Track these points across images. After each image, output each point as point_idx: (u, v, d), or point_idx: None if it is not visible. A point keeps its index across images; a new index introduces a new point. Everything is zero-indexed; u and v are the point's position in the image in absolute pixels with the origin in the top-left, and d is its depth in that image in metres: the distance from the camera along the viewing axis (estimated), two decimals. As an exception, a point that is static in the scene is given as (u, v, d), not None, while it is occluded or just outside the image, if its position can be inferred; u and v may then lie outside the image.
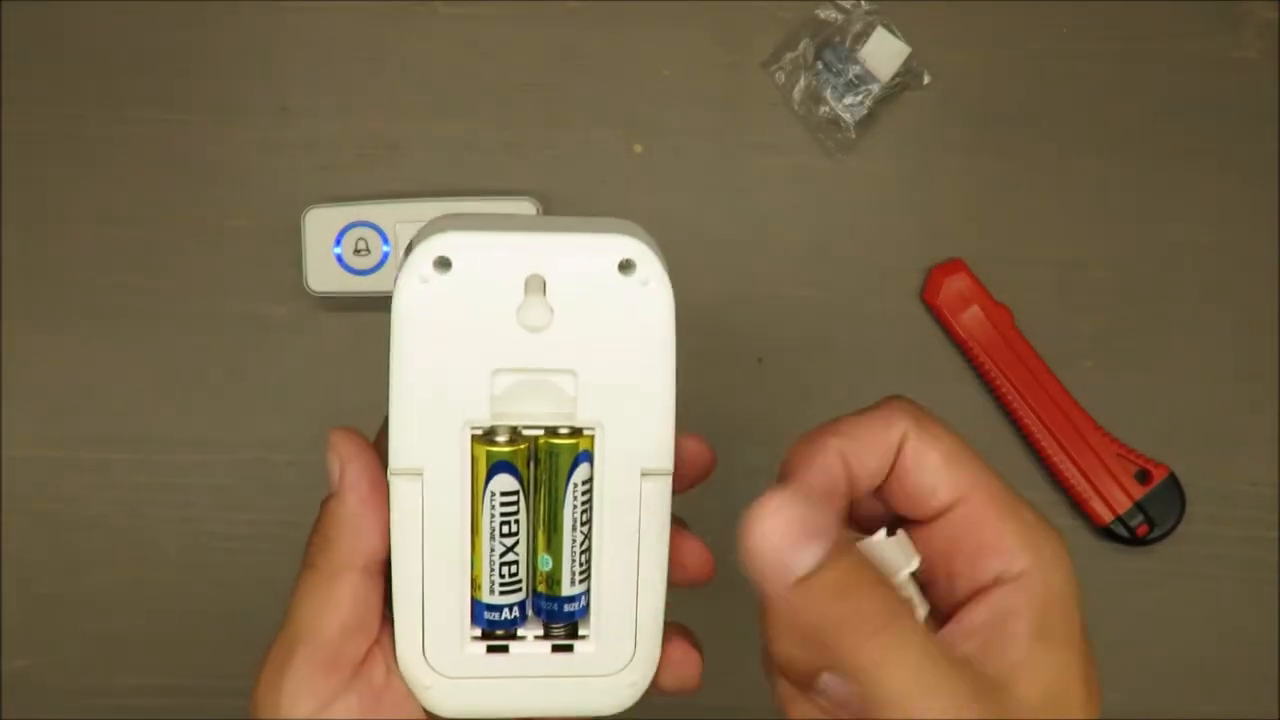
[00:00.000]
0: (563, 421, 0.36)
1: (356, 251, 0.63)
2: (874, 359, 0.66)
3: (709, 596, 0.40)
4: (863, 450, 0.35)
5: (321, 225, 0.63)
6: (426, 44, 0.66)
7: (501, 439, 0.36)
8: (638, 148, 0.67)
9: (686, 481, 0.39)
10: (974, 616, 0.33)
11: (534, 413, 0.36)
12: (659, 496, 0.37)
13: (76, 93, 0.65)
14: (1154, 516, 0.65)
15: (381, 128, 0.66)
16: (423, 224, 0.37)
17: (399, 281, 0.35)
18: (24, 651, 0.64)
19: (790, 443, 0.37)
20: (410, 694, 0.37)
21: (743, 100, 0.67)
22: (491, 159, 0.66)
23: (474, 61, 0.67)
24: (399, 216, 0.63)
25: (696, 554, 0.39)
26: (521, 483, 0.36)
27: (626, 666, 0.38)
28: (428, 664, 0.37)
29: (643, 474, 0.36)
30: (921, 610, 0.34)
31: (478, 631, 0.37)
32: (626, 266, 0.35)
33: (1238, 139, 0.68)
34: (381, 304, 0.64)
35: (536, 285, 0.34)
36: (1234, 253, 0.68)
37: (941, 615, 0.35)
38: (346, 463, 0.37)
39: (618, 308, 0.35)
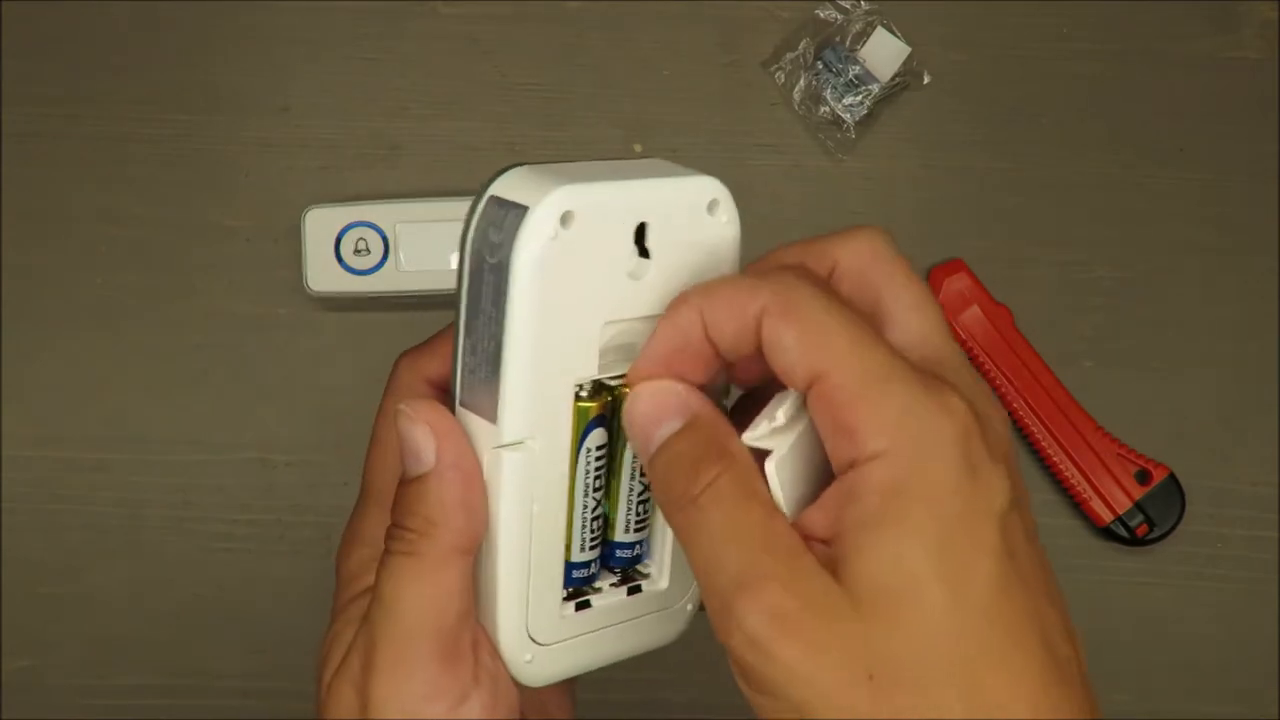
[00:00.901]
0: None
1: (356, 251, 0.63)
2: (874, 359, 0.66)
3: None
4: (719, 317, 0.31)
5: (321, 225, 0.63)
6: (426, 44, 0.66)
7: (586, 393, 0.35)
8: (638, 148, 0.67)
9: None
10: (827, 497, 0.30)
11: (626, 362, 0.35)
12: None
13: (76, 93, 0.65)
14: (1154, 516, 0.65)
15: (381, 128, 0.66)
16: (501, 176, 0.34)
17: (522, 241, 0.32)
18: (24, 651, 0.64)
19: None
20: (507, 676, 0.35)
21: (743, 100, 0.67)
22: (491, 159, 0.66)
23: (474, 61, 0.67)
24: (399, 216, 0.63)
25: None
26: (610, 434, 0.35)
27: (686, 593, 0.38)
28: (530, 638, 0.35)
29: None
30: (781, 498, 0.31)
31: (566, 592, 0.36)
32: (713, 207, 0.35)
33: (1238, 139, 0.68)
34: (381, 304, 0.64)
35: (640, 233, 0.34)
36: (1234, 253, 0.68)
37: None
38: (443, 438, 0.33)
39: (704, 247, 0.35)
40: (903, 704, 0.28)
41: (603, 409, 0.35)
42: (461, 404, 0.34)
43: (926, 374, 0.30)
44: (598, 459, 0.35)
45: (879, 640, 0.28)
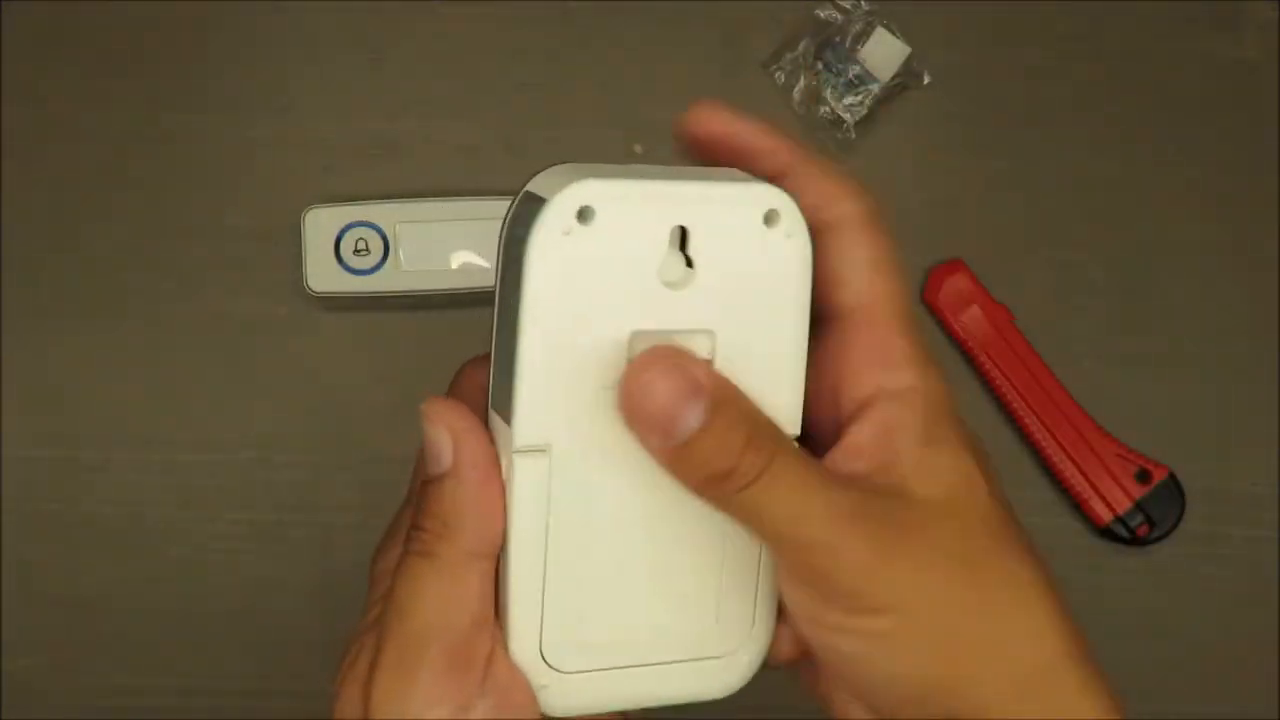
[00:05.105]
0: None
1: (356, 251, 0.63)
2: (874, 359, 0.66)
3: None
4: (804, 188, 0.33)
5: (321, 225, 0.63)
6: (426, 44, 0.66)
7: None
8: (638, 148, 0.67)
9: None
10: (860, 434, 0.33)
11: None
12: None
13: (77, 93, 0.65)
14: (1154, 516, 0.65)
15: (381, 128, 0.66)
16: (542, 172, 0.33)
17: (534, 235, 0.31)
18: (24, 651, 0.64)
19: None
20: (524, 686, 0.34)
21: (743, 100, 0.67)
22: (491, 159, 0.66)
23: (474, 61, 0.67)
24: (399, 216, 0.63)
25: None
26: None
27: (743, 644, 0.35)
28: (544, 662, 0.33)
29: None
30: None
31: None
32: (771, 219, 0.32)
33: (1238, 139, 0.68)
34: (381, 304, 0.64)
35: (679, 238, 0.32)
36: (1234, 253, 0.68)
37: (828, 437, 0.34)
38: (461, 436, 0.32)
39: (759, 263, 0.32)
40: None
41: None
42: (492, 405, 0.33)
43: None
44: None
45: (947, 536, 0.32)
